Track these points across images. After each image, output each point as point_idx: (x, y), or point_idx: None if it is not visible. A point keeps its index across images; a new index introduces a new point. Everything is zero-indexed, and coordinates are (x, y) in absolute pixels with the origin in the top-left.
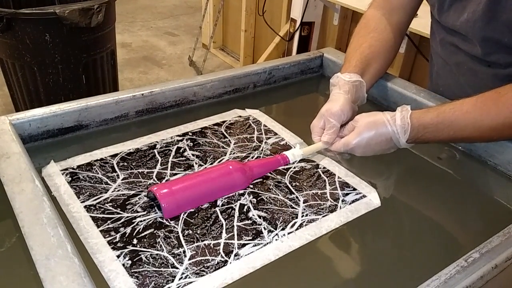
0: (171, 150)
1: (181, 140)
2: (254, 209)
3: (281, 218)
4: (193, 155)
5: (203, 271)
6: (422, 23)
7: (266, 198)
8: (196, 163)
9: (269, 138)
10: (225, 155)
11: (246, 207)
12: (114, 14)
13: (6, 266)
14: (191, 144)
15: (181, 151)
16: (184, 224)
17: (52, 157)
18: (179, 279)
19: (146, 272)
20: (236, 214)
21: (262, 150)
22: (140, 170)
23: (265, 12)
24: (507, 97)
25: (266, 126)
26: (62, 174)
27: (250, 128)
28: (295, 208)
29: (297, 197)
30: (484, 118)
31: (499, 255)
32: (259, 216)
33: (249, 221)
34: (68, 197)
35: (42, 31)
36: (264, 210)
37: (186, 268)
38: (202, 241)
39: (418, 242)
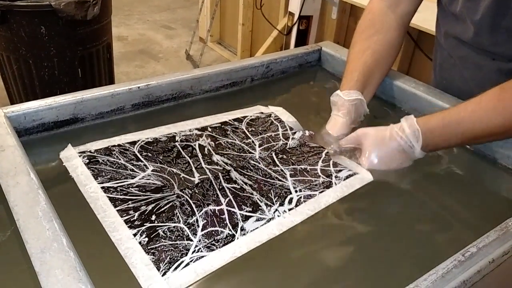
0: (195, 150)
1: (201, 136)
2: (235, 170)
3: (272, 191)
4: (224, 162)
5: (214, 245)
6: (420, 17)
7: (242, 160)
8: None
9: (295, 132)
10: (259, 164)
11: (224, 168)
12: (110, 7)
13: (1, 260)
14: (213, 143)
15: (205, 151)
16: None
17: (48, 150)
18: (192, 252)
19: (162, 246)
20: (221, 175)
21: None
22: (174, 170)
23: (263, 5)
24: None
25: (288, 124)
26: (80, 156)
27: (273, 125)
28: (283, 182)
29: (282, 169)
30: (491, 114)
31: (496, 249)
32: (244, 183)
33: (237, 185)
34: (85, 178)
35: (37, 24)
36: (247, 176)
37: (199, 241)
38: (208, 205)
39: (415, 233)
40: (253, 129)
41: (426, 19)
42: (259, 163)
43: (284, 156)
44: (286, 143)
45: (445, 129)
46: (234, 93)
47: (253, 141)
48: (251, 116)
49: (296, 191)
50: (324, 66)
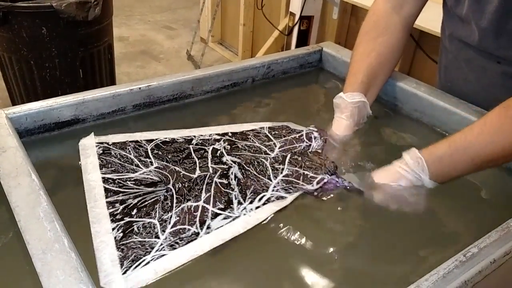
0: (207, 152)
1: (219, 141)
2: (238, 165)
3: (252, 187)
4: (232, 161)
5: (177, 243)
6: (422, 18)
7: (250, 159)
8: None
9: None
10: (266, 161)
11: (227, 165)
12: (112, 7)
13: (2, 261)
14: (228, 147)
15: (218, 154)
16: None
17: (49, 151)
18: (156, 250)
19: (132, 243)
20: (218, 172)
21: (312, 148)
22: (177, 168)
23: (264, 6)
24: None
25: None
26: (96, 146)
27: (298, 128)
28: (271, 181)
29: (282, 169)
30: (500, 134)
31: (497, 249)
32: (236, 177)
33: (225, 181)
34: (92, 167)
35: (38, 25)
36: (243, 171)
37: (165, 238)
38: (188, 201)
39: (416, 232)
40: (277, 132)
41: (428, 19)
42: (267, 160)
43: (299, 158)
44: (309, 145)
45: (454, 156)
46: (235, 93)
47: (274, 144)
48: (278, 125)
49: (272, 190)
50: (325, 67)
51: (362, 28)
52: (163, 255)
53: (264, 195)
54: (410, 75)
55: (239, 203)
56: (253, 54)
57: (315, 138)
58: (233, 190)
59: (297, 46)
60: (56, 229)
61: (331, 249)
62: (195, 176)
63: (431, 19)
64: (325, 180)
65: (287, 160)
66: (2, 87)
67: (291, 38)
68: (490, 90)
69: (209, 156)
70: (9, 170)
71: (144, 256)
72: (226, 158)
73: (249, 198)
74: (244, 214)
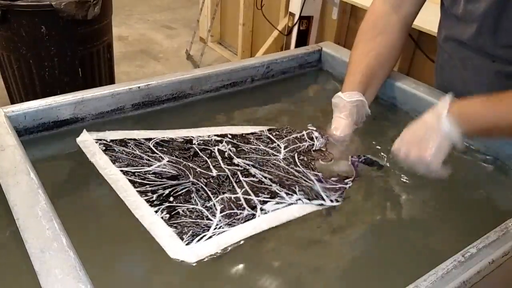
0: (214, 152)
1: (221, 142)
2: (254, 167)
3: (296, 186)
4: (245, 163)
5: (234, 222)
6: (421, 18)
7: (262, 161)
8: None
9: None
10: (280, 162)
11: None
12: (111, 6)
13: (0, 260)
14: (234, 149)
15: (226, 155)
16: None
17: (48, 149)
18: (214, 228)
19: (184, 223)
20: (239, 172)
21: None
22: (190, 164)
23: (264, 5)
24: None
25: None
26: (96, 143)
27: (297, 128)
28: (310, 183)
29: (304, 171)
30: None
31: (496, 250)
32: (264, 177)
33: (255, 179)
34: (104, 163)
35: (38, 24)
36: (267, 171)
37: (219, 220)
38: (223, 193)
39: (414, 232)
40: (277, 132)
41: (426, 20)
42: (280, 162)
43: (305, 158)
44: (312, 144)
45: (485, 104)
46: (235, 93)
47: (278, 145)
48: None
49: (331, 201)
50: (325, 67)
51: (361, 28)
52: (224, 231)
53: (322, 203)
54: (409, 75)
55: (288, 194)
56: (253, 54)
57: (316, 137)
58: (271, 185)
59: (297, 46)
60: (54, 227)
61: None
62: (213, 174)
63: (430, 20)
64: (352, 161)
65: (298, 162)
66: (1, 86)
67: (290, 38)
68: (485, 89)
69: (218, 157)
70: (7, 169)
71: (203, 232)
72: (237, 160)
73: (300, 193)
74: (302, 204)
